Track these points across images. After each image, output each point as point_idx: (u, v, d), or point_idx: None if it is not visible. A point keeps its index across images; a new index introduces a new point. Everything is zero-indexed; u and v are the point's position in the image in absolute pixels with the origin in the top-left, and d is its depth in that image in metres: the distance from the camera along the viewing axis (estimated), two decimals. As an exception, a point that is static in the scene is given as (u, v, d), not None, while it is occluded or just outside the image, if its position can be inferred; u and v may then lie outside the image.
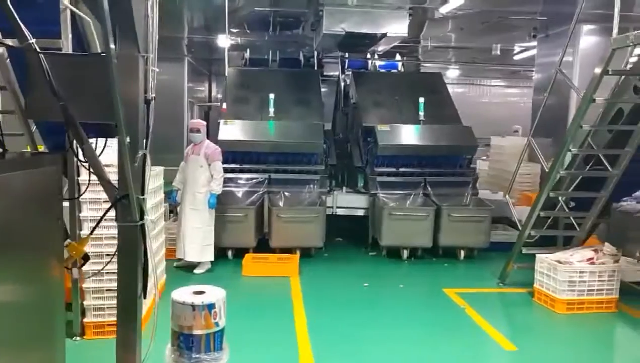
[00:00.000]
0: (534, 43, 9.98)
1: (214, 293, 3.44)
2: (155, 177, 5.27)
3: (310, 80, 8.91)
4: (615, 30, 4.58)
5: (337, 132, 10.10)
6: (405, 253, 7.24)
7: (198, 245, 6.27)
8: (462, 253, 7.32)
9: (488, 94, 16.77)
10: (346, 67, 10.18)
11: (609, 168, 5.49)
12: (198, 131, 6.38)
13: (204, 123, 6.58)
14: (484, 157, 11.53)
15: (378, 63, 10.59)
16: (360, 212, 7.82)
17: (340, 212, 7.87)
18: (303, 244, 7.09)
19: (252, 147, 7.48)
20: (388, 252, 7.36)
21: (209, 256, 6.38)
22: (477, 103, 16.78)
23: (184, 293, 3.39)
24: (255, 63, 9.91)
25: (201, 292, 3.45)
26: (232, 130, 7.54)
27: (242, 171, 7.50)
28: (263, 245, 7.09)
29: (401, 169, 7.69)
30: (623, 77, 5.49)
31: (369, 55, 10.39)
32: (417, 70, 11.59)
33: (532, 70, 10.70)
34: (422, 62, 12.28)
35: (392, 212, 7.05)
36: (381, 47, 9.78)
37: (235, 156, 7.52)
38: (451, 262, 7.26)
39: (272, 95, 7.84)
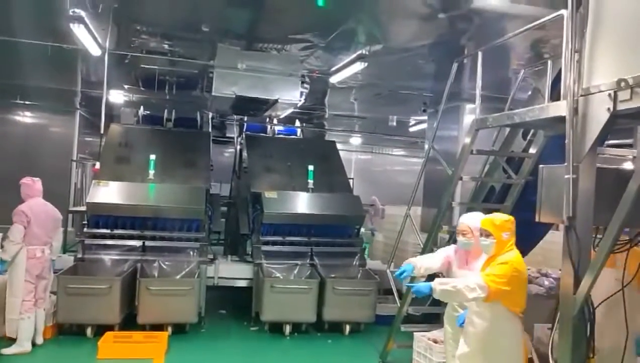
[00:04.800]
0: (426, 117, 10.38)
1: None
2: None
3: (200, 142, 8.55)
4: (477, 111, 4.68)
5: (232, 197, 9.75)
6: (287, 329, 6.81)
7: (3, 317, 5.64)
8: (348, 328, 7.01)
9: (390, 162, 17.25)
10: (244, 130, 10.00)
11: (481, 245, 5.49)
12: None
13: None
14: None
15: (277, 128, 10.51)
16: (244, 283, 7.37)
17: (222, 282, 7.39)
18: (175, 320, 6.46)
19: (125, 211, 6.89)
20: (271, 326, 6.90)
21: (14, 332, 5.60)
22: (381, 171, 17.20)
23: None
24: (150, 121, 9.43)
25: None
26: (105, 192, 6.93)
27: (112, 237, 6.85)
28: (134, 321, 6.38)
29: (288, 238, 7.41)
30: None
31: (268, 120, 10.30)
32: (313, 136, 11.65)
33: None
34: (322, 129, 12.38)
35: (273, 285, 6.66)
36: (280, 112, 9.74)
37: (108, 221, 6.91)
38: (336, 337, 6.92)
39: (152, 156, 7.37)
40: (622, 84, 2.85)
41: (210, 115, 9.71)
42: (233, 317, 7.51)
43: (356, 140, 16.07)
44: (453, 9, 5.39)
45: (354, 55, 7.18)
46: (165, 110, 9.42)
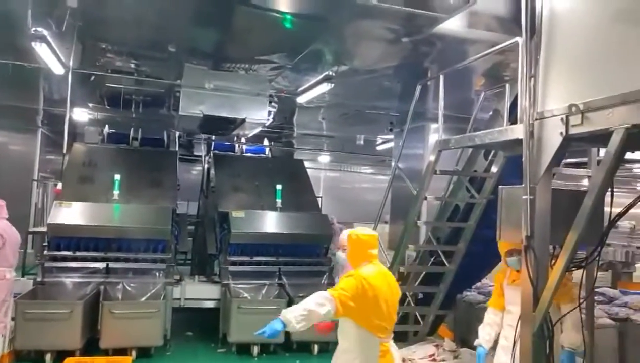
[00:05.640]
0: (392, 136, 10.56)
1: None
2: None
3: (167, 161, 8.45)
4: (440, 132, 4.80)
5: (200, 216, 9.64)
6: (255, 350, 6.73)
7: None
8: (317, 347, 6.97)
9: (359, 180, 17.41)
10: (212, 148, 9.94)
11: (446, 263, 5.59)
12: None
13: None
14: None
15: (245, 147, 10.50)
16: (211, 304, 7.26)
17: (189, 304, 7.26)
18: (140, 344, 6.29)
19: (88, 232, 6.73)
20: (238, 347, 6.80)
21: None
22: (350, 188, 17.34)
23: None
24: (115, 140, 9.27)
25: None
26: (67, 213, 6.76)
27: (75, 259, 6.67)
28: (96, 346, 6.19)
29: (255, 258, 7.36)
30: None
31: (236, 139, 10.28)
32: (281, 155, 11.68)
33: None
34: (290, 148, 12.43)
35: (241, 305, 6.59)
36: (248, 131, 9.74)
37: (70, 242, 6.73)
38: (304, 357, 6.86)
39: (117, 176, 7.26)
40: (574, 109, 2.98)
41: (178, 133, 9.63)
42: (200, 339, 7.36)
43: (325, 158, 16.20)
44: (416, 33, 5.56)
45: (320, 76, 7.29)
46: (132, 129, 9.30)
